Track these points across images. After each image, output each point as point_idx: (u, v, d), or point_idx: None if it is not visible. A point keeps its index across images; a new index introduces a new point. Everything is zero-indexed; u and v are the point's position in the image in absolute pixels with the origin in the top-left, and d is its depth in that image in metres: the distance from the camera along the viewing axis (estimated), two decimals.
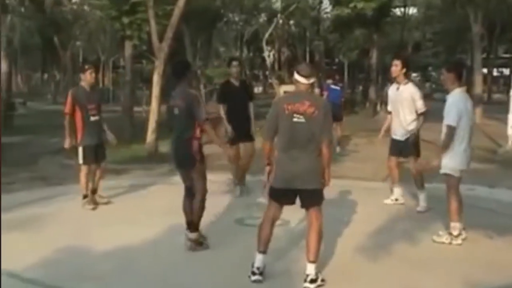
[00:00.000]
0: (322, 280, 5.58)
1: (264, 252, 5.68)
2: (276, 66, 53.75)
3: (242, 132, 9.49)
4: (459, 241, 6.98)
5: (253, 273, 5.63)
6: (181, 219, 6.82)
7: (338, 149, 15.24)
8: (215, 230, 7.39)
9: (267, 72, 42.14)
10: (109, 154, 14.47)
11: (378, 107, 29.35)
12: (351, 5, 25.58)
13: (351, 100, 30.74)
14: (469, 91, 29.46)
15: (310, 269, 5.53)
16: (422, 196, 8.78)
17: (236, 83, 9.62)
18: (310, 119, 5.42)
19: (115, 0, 17.62)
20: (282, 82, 33.46)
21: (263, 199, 6.51)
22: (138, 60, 29.05)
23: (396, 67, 8.64)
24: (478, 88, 24.50)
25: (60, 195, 9.57)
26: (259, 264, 5.65)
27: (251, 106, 9.66)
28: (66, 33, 34.17)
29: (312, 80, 5.65)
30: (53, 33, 30.81)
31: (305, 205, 5.65)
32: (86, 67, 8.92)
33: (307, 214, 5.67)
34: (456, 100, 6.92)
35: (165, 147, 13.00)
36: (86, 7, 34.02)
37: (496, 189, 10.63)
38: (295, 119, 5.44)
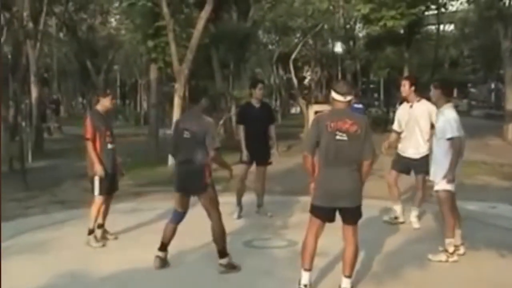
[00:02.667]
0: None
1: (310, 269, 5.72)
2: (313, 86, 53.85)
3: (259, 154, 9.45)
4: (455, 257, 6.93)
5: None
6: (189, 243, 6.82)
7: None
8: None
9: (292, 91, 42.07)
10: (131, 176, 14.78)
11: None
12: (381, 23, 25.40)
13: (385, 119, 30.36)
14: (501, 106, 29.14)
15: (346, 283, 5.67)
16: (414, 213, 8.84)
17: (257, 105, 9.56)
18: (353, 137, 5.49)
19: (141, 24, 17.82)
20: (315, 101, 33.34)
21: None
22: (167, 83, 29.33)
23: (404, 87, 8.73)
24: (510, 104, 24.06)
25: (73, 219, 9.58)
26: (305, 281, 5.70)
27: (272, 129, 9.63)
28: (100, 58, 34.78)
29: (349, 98, 5.67)
30: (87, 58, 31.26)
31: (347, 222, 5.69)
32: (108, 91, 8.61)
33: (345, 230, 5.73)
34: (450, 117, 6.98)
35: None
36: (123, 31, 34.44)
37: None
38: (338, 137, 5.49)
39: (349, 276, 5.69)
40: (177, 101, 13.66)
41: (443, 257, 6.94)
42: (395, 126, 9.08)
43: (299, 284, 5.67)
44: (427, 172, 8.58)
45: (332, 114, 5.69)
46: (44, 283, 6.33)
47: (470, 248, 7.31)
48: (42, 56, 41.70)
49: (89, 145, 7.88)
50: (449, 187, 6.99)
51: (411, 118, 8.73)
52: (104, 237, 8.16)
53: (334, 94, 5.67)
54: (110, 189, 8.15)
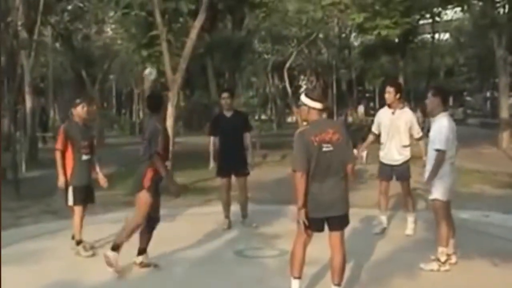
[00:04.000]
0: None
1: (299, 277, 5.70)
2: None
3: (234, 165, 9.37)
4: (447, 267, 6.90)
5: None
6: (183, 251, 6.79)
7: None
8: (212, 262, 7.32)
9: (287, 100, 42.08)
10: (123, 186, 14.72)
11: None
12: (375, 32, 25.44)
13: None
14: (496, 115, 29.27)
15: None
16: (411, 219, 8.84)
17: (227, 114, 9.49)
18: (337, 146, 5.54)
19: (135, 34, 17.82)
20: None
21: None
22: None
23: (390, 94, 8.71)
24: (505, 112, 24.11)
25: (65, 229, 9.41)
26: None
27: (247, 138, 9.50)
28: (95, 67, 34.71)
29: (324, 105, 5.72)
30: (82, 67, 31.23)
31: (334, 229, 5.67)
32: (78, 101, 8.20)
33: (332, 238, 5.70)
34: (443, 125, 6.93)
35: (180, 177, 13.02)
36: (119, 41, 34.46)
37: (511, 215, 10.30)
38: (324, 149, 5.50)
39: (338, 285, 5.68)
40: (170, 110, 13.59)
41: (434, 266, 6.92)
42: (374, 128, 9.07)
43: None
44: (409, 177, 8.87)
45: (314, 127, 5.62)
46: None
47: (463, 257, 7.28)
48: (37, 66, 41.84)
49: (58, 155, 7.87)
50: (439, 196, 6.97)
51: (392, 126, 8.74)
52: (93, 247, 8.08)
53: (310, 102, 5.63)
54: (85, 200, 8.07)
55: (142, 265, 6.91)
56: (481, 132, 35.35)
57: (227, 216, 9.51)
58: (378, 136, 9.00)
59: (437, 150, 6.86)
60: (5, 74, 20.25)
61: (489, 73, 45.39)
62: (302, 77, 59.78)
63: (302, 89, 61.13)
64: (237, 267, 7.28)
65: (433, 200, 7.05)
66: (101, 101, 41.78)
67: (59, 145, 7.88)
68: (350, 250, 6.19)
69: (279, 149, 22.62)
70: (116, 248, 6.75)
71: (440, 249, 6.92)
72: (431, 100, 7.08)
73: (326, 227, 5.70)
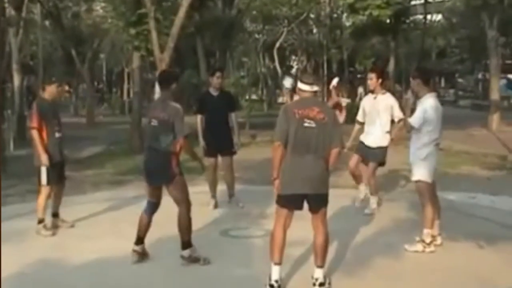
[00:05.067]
0: (329, 283, 5.66)
1: (280, 263, 5.60)
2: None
3: (220, 144, 9.33)
4: (432, 248, 6.92)
5: (271, 286, 5.55)
6: (169, 232, 6.73)
7: None
8: (198, 242, 7.25)
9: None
10: (113, 165, 14.68)
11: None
12: (367, 12, 25.29)
13: None
14: (487, 97, 29.32)
15: (319, 273, 5.60)
16: (372, 200, 9.01)
17: (214, 93, 9.42)
18: (321, 125, 5.48)
19: (123, 11, 17.66)
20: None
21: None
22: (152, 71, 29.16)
23: (372, 80, 8.87)
24: (495, 94, 24.16)
25: (51, 208, 9.49)
26: (276, 276, 5.57)
27: (233, 117, 9.45)
28: (85, 46, 34.47)
29: (315, 88, 5.67)
30: (72, 46, 30.99)
31: (313, 209, 5.64)
32: (53, 79, 8.28)
33: (313, 219, 5.67)
34: (426, 107, 6.90)
35: None
36: (109, 20, 34.26)
37: (499, 197, 10.34)
38: (306, 124, 5.47)
39: (321, 266, 5.63)
40: (158, 89, 13.54)
41: (419, 247, 6.93)
42: (359, 116, 9.20)
43: (270, 279, 5.56)
44: (380, 163, 9.01)
45: (299, 102, 5.68)
46: (16, 271, 6.26)
47: (448, 238, 7.29)
48: (27, 44, 41.52)
49: (35, 134, 7.78)
50: (423, 177, 6.96)
51: (373, 110, 8.89)
52: (56, 226, 8.12)
53: (301, 85, 5.65)
54: (58, 178, 8.09)
55: (140, 253, 6.60)
56: (472, 114, 35.44)
57: (213, 196, 9.48)
58: (362, 124, 9.13)
59: (410, 125, 6.93)
60: None
61: (480, 54, 45.29)
62: (293, 57, 59.57)
63: (293, 70, 61.14)
64: (222, 247, 7.26)
65: (417, 181, 7.03)
66: (91, 80, 41.57)
67: (35, 123, 7.78)
68: (334, 231, 6.19)
69: (268, 129, 22.46)
70: (187, 245, 6.48)
71: (426, 231, 6.93)
72: (412, 83, 7.16)
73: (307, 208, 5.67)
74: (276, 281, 5.55)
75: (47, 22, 39.25)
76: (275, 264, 5.57)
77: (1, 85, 22.89)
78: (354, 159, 9.09)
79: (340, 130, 5.69)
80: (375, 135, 8.84)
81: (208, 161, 9.41)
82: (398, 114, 8.71)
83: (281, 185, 5.57)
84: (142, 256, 6.57)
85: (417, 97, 7.16)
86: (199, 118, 9.36)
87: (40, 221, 7.90)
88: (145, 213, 6.64)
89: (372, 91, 8.96)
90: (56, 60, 50.12)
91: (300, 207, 5.64)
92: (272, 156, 5.64)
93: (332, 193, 9.51)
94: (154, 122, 6.44)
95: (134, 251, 6.54)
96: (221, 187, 9.72)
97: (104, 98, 54.60)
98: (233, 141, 9.49)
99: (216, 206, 9.42)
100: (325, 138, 5.51)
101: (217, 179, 9.56)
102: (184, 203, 6.43)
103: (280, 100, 59.56)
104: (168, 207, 6.61)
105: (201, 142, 9.30)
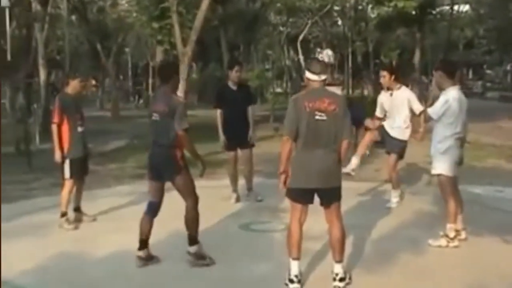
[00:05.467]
0: (350, 278, 5.60)
1: (298, 258, 5.52)
2: None
3: (239, 137, 9.27)
4: (455, 243, 6.81)
5: (291, 281, 5.49)
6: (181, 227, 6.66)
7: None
8: (218, 236, 7.26)
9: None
10: (135, 158, 14.73)
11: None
12: (392, 4, 25.10)
13: None
14: None
15: (338, 268, 5.53)
16: (394, 194, 8.97)
17: (234, 87, 9.35)
18: (332, 117, 5.35)
19: (146, 6, 17.69)
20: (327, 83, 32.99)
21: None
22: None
23: (385, 78, 8.82)
24: None
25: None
26: (295, 271, 5.50)
27: (250, 111, 9.39)
28: (109, 40, 34.74)
29: (323, 77, 5.54)
30: (97, 40, 31.21)
31: (325, 203, 5.55)
32: (77, 74, 8.40)
33: (327, 213, 5.58)
34: (448, 98, 6.78)
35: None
36: (134, 14, 34.49)
37: None
38: (317, 117, 5.34)
39: (339, 261, 5.55)
40: (180, 83, 13.54)
41: (443, 242, 6.82)
42: (377, 112, 9.14)
43: (289, 274, 5.49)
44: (399, 156, 8.93)
45: (309, 94, 5.50)
46: (38, 264, 6.32)
47: (472, 233, 7.17)
48: (54, 39, 41.88)
49: (54, 128, 7.88)
50: (444, 171, 6.85)
51: (392, 106, 8.83)
52: (78, 220, 8.17)
53: (308, 74, 5.51)
54: (81, 172, 8.19)
55: (143, 259, 6.32)
56: (500, 106, 35.05)
57: (234, 190, 9.45)
58: (381, 119, 9.06)
59: (429, 116, 6.87)
60: (23, 48, 20.26)
61: (509, 45, 44.75)
62: (318, 49, 59.29)
63: (302, 61, 60.80)
64: (242, 241, 7.24)
65: (438, 175, 6.93)
66: (117, 74, 41.82)
67: (56, 118, 7.89)
68: (355, 225, 6.13)
69: None
70: (194, 241, 6.27)
71: (449, 225, 6.83)
72: (435, 76, 7.11)
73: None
74: (296, 276, 5.49)
75: (73, 17, 39.59)
76: (294, 259, 5.50)
77: (28, 79, 23.21)
78: (392, 157, 8.98)
79: (348, 120, 5.53)
80: (396, 129, 8.76)
81: (228, 155, 9.40)
82: (417, 107, 8.61)
83: (291, 179, 5.47)
84: (147, 261, 6.31)
85: (440, 89, 7.04)
86: (218, 112, 9.31)
87: (63, 214, 7.95)
88: (146, 215, 6.39)
89: (388, 88, 8.89)
90: (82, 54, 50.60)
91: (310, 201, 5.55)
92: (280, 150, 5.53)
93: (354, 186, 9.58)
94: (156, 116, 6.20)
95: (138, 256, 6.31)
96: (240, 181, 9.67)
97: (140, 93, 54.49)
98: (249, 134, 9.39)
99: (238, 200, 9.40)
100: (337, 130, 5.39)
101: (237, 173, 9.52)
102: (191, 197, 6.26)
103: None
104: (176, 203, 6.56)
105: (221, 136, 9.27)
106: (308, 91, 5.57)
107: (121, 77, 59.28)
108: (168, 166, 6.18)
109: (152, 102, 6.51)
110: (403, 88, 8.89)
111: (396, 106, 8.72)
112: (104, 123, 26.09)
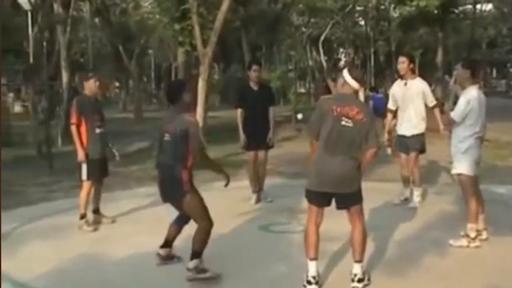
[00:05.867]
0: (369, 279, 5.54)
1: (316, 258, 5.47)
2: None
3: (258, 138, 9.24)
4: (477, 243, 6.70)
5: (309, 282, 5.43)
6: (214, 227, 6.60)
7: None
8: (235, 237, 7.24)
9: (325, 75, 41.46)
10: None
11: (446, 106, 28.50)
12: (414, 3, 24.95)
13: None
14: None
15: (357, 268, 5.48)
16: (416, 193, 8.81)
17: (255, 87, 9.31)
18: (358, 125, 5.29)
19: (167, 7, 17.73)
20: None
21: None
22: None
23: (404, 64, 8.67)
24: None
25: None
26: (313, 272, 5.44)
27: (271, 112, 9.33)
28: (132, 42, 34.92)
29: (358, 87, 5.52)
30: (120, 42, 31.38)
31: (341, 206, 5.51)
32: (90, 75, 8.28)
33: (349, 215, 5.54)
34: (469, 99, 6.67)
35: (212, 152, 12.95)
36: (157, 16, 34.68)
37: None
38: (343, 122, 5.28)
39: (359, 261, 5.49)
40: (201, 84, 13.56)
41: (464, 242, 6.71)
42: (390, 104, 9.04)
43: (307, 276, 5.44)
44: (420, 151, 8.83)
45: (338, 98, 5.46)
46: (55, 267, 6.31)
47: (495, 233, 7.04)
48: (77, 41, 42.18)
49: (74, 129, 7.87)
50: (465, 171, 6.74)
51: (406, 96, 8.69)
52: (97, 221, 8.16)
53: (349, 79, 5.43)
54: (99, 174, 8.15)
55: (163, 257, 6.30)
56: None
57: (254, 190, 9.41)
58: (395, 112, 8.97)
59: (452, 119, 6.74)
60: (47, 50, 20.37)
61: None
62: (341, 49, 59.17)
63: (341, 62, 60.64)
64: (260, 242, 7.19)
65: (459, 175, 6.81)
66: (140, 76, 42.00)
67: (74, 119, 7.88)
68: (376, 226, 6.06)
69: None
70: (196, 256, 5.87)
71: (469, 225, 6.72)
72: (461, 72, 6.86)
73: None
74: (314, 277, 5.43)
75: (96, 20, 39.89)
76: (311, 259, 5.45)
77: (51, 82, 23.37)
78: (402, 156, 8.94)
79: (376, 129, 5.46)
80: (410, 122, 8.66)
81: (248, 155, 9.36)
82: (431, 99, 8.55)
83: (308, 180, 5.49)
84: (165, 260, 6.27)
85: (462, 87, 6.93)
86: (239, 112, 9.28)
87: (82, 216, 7.96)
88: (175, 223, 6.29)
89: (402, 77, 8.75)
90: (105, 56, 50.97)
91: (326, 204, 5.52)
92: (310, 151, 5.56)
93: (378, 187, 9.50)
94: (167, 137, 5.90)
95: (158, 254, 6.29)
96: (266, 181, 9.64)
97: (152, 93, 54.98)
98: (268, 135, 9.32)
99: (258, 201, 9.35)
100: (360, 138, 5.31)
101: (257, 173, 9.45)
102: (203, 222, 5.88)
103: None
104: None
105: (241, 136, 9.24)
106: (338, 95, 5.51)
107: (144, 78, 59.55)
108: (173, 188, 5.89)
109: (165, 122, 6.11)
110: (418, 78, 8.79)
111: (411, 97, 8.60)
112: (127, 125, 26.21)
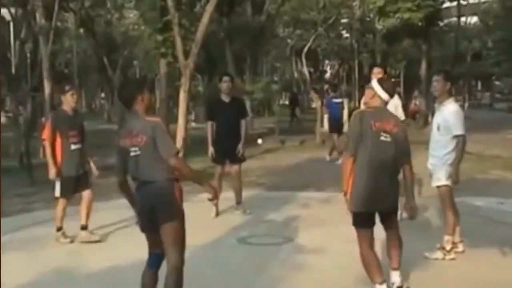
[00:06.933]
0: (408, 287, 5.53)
1: (384, 281, 5.22)
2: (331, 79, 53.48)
3: (228, 151, 9.19)
4: (452, 255, 6.72)
5: None
6: (192, 239, 6.55)
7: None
8: (213, 249, 7.21)
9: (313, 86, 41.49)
10: None
11: (430, 118, 28.67)
12: (397, 15, 25.12)
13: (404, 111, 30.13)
14: None
15: (395, 276, 5.46)
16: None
17: (226, 99, 9.27)
18: (395, 139, 5.20)
19: (150, 18, 17.73)
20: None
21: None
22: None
23: (379, 75, 8.40)
24: None
25: (75, 214, 9.41)
26: None
27: (243, 124, 9.30)
28: (116, 53, 34.85)
29: (389, 99, 5.44)
30: (104, 54, 31.33)
31: (385, 220, 5.46)
32: (67, 88, 7.92)
33: (385, 224, 5.50)
34: (457, 110, 6.79)
35: (193, 164, 12.91)
36: (142, 27, 34.63)
37: None
38: (382, 138, 5.16)
39: (397, 269, 5.49)
40: (182, 96, 13.54)
41: (439, 254, 6.74)
42: None
43: None
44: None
45: (376, 112, 5.31)
46: (30, 280, 6.27)
47: (471, 245, 7.06)
48: (62, 52, 42.05)
49: (46, 145, 7.71)
50: (445, 182, 6.75)
51: None
52: (85, 240, 7.86)
53: (380, 91, 5.35)
54: (75, 190, 7.94)
55: None
56: (509, 117, 34.85)
57: (215, 204, 9.01)
58: None
59: (460, 136, 6.64)
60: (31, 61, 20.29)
61: None
62: (326, 61, 59.35)
63: (326, 74, 60.79)
64: (237, 254, 7.16)
65: (440, 187, 6.80)
66: None
67: (45, 135, 7.71)
68: (352, 238, 6.00)
69: (298, 134, 22.45)
70: None
71: (446, 237, 6.74)
72: (442, 84, 6.80)
73: None
74: None
75: (81, 30, 39.79)
76: (381, 283, 5.21)
77: (33, 93, 23.27)
78: None
79: (408, 144, 5.38)
80: None
81: (216, 168, 9.30)
82: (401, 115, 8.38)
83: (354, 202, 5.22)
84: None
85: (439, 97, 6.93)
86: (209, 124, 9.25)
87: (59, 229, 7.90)
88: (149, 267, 5.06)
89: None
90: (90, 67, 50.80)
91: (374, 223, 5.37)
92: (342, 169, 5.33)
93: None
94: (135, 151, 4.84)
95: None
96: (229, 194, 9.54)
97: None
98: (238, 148, 9.24)
99: (217, 214, 9.17)
100: (398, 152, 5.23)
101: (222, 187, 9.25)
102: (180, 256, 4.85)
103: (314, 105, 59.56)
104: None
105: (210, 148, 9.19)
106: (374, 110, 5.36)
107: None
108: (164, 208, 4.82)
109: (124, 136, 4.97)
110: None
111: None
112: (111, 136, 26.05)
